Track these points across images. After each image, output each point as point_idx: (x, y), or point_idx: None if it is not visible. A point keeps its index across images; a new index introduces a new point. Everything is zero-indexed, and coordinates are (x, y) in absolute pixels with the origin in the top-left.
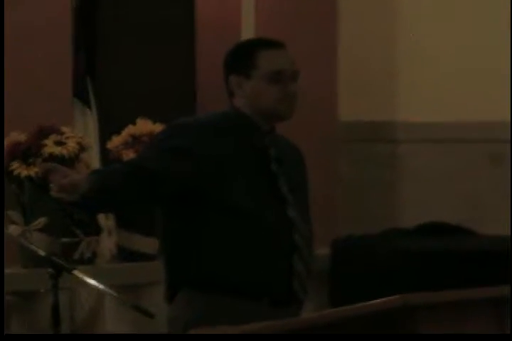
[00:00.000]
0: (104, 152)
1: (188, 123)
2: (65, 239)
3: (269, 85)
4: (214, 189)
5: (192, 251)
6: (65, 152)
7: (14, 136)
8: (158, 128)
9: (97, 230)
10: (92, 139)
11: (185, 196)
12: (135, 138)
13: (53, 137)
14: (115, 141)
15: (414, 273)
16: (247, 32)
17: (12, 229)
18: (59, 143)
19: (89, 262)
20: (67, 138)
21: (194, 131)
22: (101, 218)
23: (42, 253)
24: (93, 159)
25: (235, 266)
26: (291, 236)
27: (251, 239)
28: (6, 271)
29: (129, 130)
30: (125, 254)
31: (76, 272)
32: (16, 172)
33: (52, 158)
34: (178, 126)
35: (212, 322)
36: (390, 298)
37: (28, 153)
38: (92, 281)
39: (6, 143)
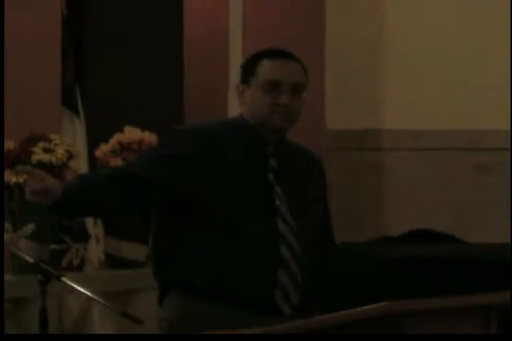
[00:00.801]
0: (92, 159)
1: (188, 130)
2: (53, 246)
3: (263, 94)
4: (204, 199)
5: (178, 255)
6: (53, 159)
7: (4, 143)
8: (146, 136)
9: (85, 237)
10: (81, 147)
11: (176, 203)
12: (123, 146)
13: (42, 144)
14: (103, 149)
15: (401, 280)
16: (235, 47)
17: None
18: (48, 151)
19: (77, 269)
20: (56, 145)
21: (193, 139)
22: (89, 225)
23: (30, 260)
24: (81, 166)
25: (216, 274)
26: (277, 249)
27: (234, 250)
28: None
29: (117, 138)
30: (113, 261)
31: (64, 279)
32: (5, 180)
33: (40, 165)
34: (177, 133)
35: (192, 325)
36: (377, 305)
37: (17, 160)
38: (80, 288)
39: None
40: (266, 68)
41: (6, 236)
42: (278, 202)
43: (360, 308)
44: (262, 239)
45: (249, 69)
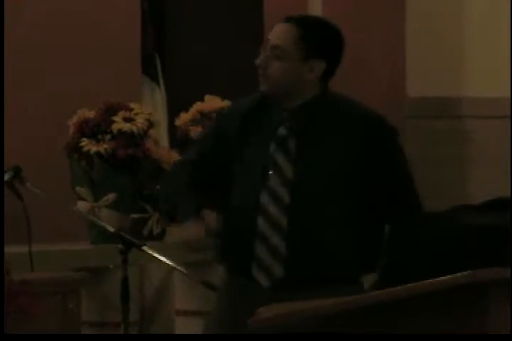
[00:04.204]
0: (172, 128)
1: (228, 107)
2: (134, 215)
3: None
4: (227, 174)
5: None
6: (134, 128)
7: (83, 113)
8: (226, 104)
9: None
10: (161, 115)
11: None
12: (203, 115)
13: (122, 113)
14: (183, 118)
15: (484, 249)
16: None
17: (81, 206)
18: (128, 120)
19: (158, 238)
20: (136, 114)
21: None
22: None
23: (111, 229)
24: (161, 135)
25: (221, 246)
26: (254, 222)
27: (225, 223)
28: (75, 247)
29: (197, 106)
30: None
31: (146, 248)
32: (85, 149)
33: (121, 134)
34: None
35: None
36: (460, 274)
37: (97, 129)
38: (161, 257)
39: (74, 120)
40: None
41: (86, 205)
42: (271, 172)
43: (443, 277)
44: (240, 212)
45: None
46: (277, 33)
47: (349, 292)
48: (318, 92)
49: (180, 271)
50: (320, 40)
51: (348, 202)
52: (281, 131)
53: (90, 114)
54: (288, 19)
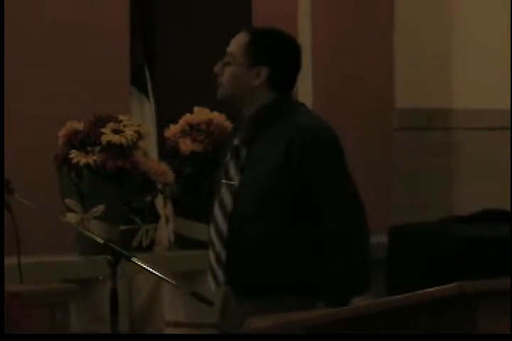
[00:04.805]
0: (161, 140)
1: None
2: (123, 227)
3: None
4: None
5: None
6: (123, 140)
7: (72, 125)
8: (215, 116)
9: (155, 218)
10: (150, 127)
11: None
12: (192, 127)
13: (111, 125)
14: (172, 129)
15: (472, 261)
16: (304, 23)
17: (70, 217)
18: (117, 131)
19: (147, 250)
20: (125, 126)
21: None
22: (159, 206)
23: (100, 240)
24: (150, 147)
25: None
26: (209, 229)
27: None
28: (64, 258)
29: (186, 118)
30: (183, 242)
31: (135, 259)
32: (74, 161)
33: (110, 145)
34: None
35: None
36: (448, 285)
37: (86, 141)
38: (150, 269)
39: (63, 131)
40: None
41: (75, 217)
42: (223, 181)
43: (431, 289)
44: (211, 220)
45: None
46: (232, 42)
47: (294, 303)
48: (268, 101)
49: (169, 282)
50: (265, 47)
51: (285, 212)
52: (236, 140)
53: (79, 125)
54: (244, 29)
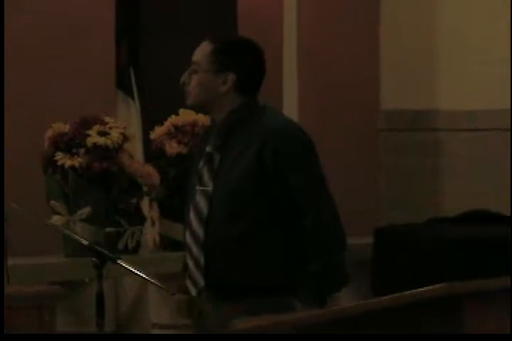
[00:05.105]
0: (147, 142)
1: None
2: (109, 229)
3: None
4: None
5: None
6: (108, 142)
7: (58, 127)
8: (200, 118)
9: (140, 220)
10: (135, 129)
11: None
12: (177, 129)
13: (97, 127)
14: (158, 131)
15: (459, 261)
16: (290, 23)
17: (55, 219)
18: (102, 134)
19: (133, 252)
20: (111, 128)
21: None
22: (145, 208)
23: (85, 242)
24: (136, 149)
25: None
26: (185, 235)
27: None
28: (50, 260)
29: (172, 120)
30: (169, 244)
31: (120, 261)
32: (60, 163)
33: (95, 148)
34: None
35: None
36: (435, 286)
37: (71, 143)
38: (136, 271)
39: (49, 133)
40: None
41: (60, 219)
42: (197, 187)
43: (418, 290)
44: (185, 226)
45: None
46: (196, 51)
47: (271, 304)
48: (237, 106)
49: (155, 284)
50: (229, 54)
51: (259, 215)
52: (208, 147)
53: (65, 127)
54: (207, 38)
